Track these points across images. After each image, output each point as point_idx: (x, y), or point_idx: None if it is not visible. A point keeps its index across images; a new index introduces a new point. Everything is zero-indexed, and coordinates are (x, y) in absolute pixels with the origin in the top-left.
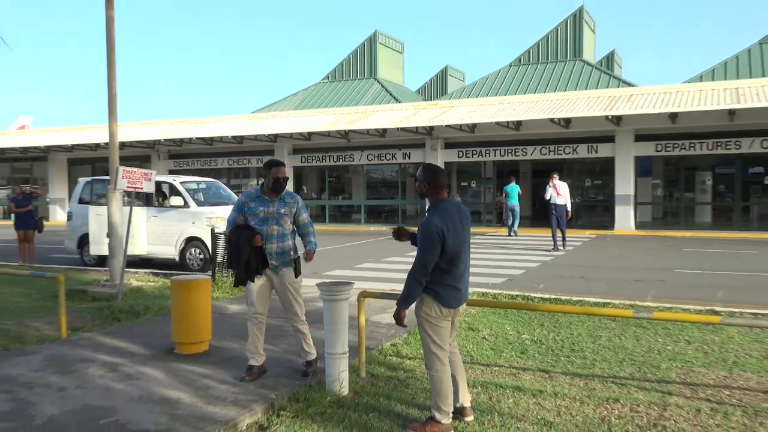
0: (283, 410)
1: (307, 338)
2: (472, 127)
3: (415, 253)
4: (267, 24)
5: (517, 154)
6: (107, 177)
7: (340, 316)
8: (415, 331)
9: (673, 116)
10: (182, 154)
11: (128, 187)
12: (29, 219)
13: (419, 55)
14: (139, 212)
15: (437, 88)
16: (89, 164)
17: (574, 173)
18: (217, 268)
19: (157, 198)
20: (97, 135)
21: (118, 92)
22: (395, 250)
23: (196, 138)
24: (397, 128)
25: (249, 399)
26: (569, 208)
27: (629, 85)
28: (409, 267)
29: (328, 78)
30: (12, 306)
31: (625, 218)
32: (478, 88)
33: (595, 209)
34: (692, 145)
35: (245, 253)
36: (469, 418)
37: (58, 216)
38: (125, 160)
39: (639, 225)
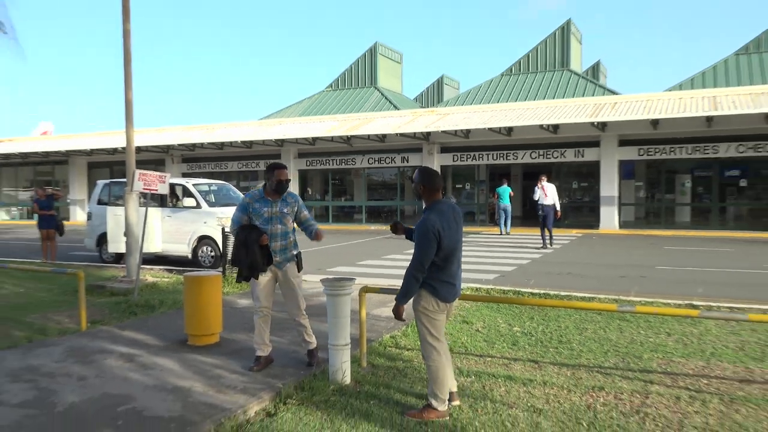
0: (289, 398)
1: (307, 330)
2: (467, 133)
3: (412, 250)
4: (274, 36)
5: (508, 158)
6: (124, 179)
7: (343, 310)
8: (413, 323)
9: (655, 122)
10: (195, 157)
11: (144, 188)
12: (51, 219)
13: (417, 65)
14: (154, 212)
15: (434, 96)
16: (107, 167)
17: (562, 176)
18: (227, 265)
19: (171, 199)
20: (115, 140)
21: (134, 100)
22: (395, 248)
23: (208, 143)
24: (396, 134)
25: (257, 387)
26: (558, 208)
27: (613, 93)
28: (408, 264)
29: (332, 86)
30: (35, 300)
31: (609, 218)
32: (472, 96)
33: (581, 210)
34: (672, 149)
35: (253, 251)
36: (456, 403)
37: (78, 216)
38: (141, 164)
39: (623, 224)
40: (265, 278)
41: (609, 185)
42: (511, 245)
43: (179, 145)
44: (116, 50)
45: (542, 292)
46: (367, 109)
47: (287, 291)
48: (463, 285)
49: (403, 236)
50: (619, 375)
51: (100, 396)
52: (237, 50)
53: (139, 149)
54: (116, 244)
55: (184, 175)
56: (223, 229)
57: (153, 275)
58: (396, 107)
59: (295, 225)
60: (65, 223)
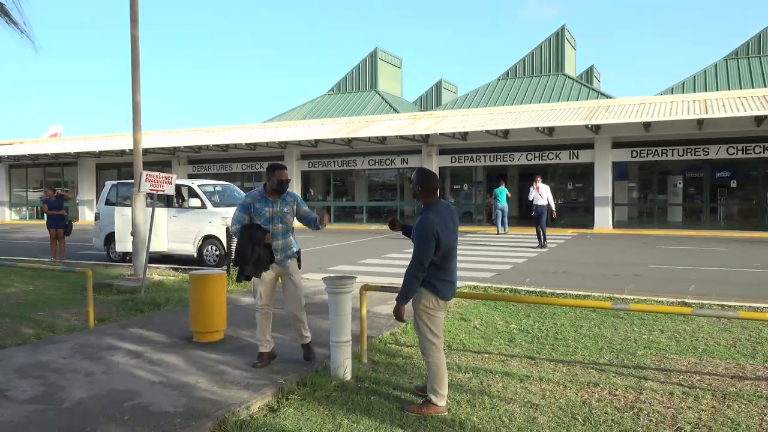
0: (292, 394)
1: (305, 325)
2: (464, 135)
3: (411, 249)
4: (278, 42)
5: (505, 159)
6: (132, 180)
7: (344, 307)
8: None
9: (647, 125)
10: (200, 159)
11: (151, 189)
12: (60, 219)
13: (416, 70)
14: (161, 212)
15: (432, 99)
16: (115, 169)
17: (557, 177)
18: (231, 264)
19: (177, 200)
20: (123, 142)
21: (141, 103)
22: (395, 247)
23: (213, 145)
24: (396, 136)
25: (260, 383)
26: (553, 208)
27: (607, 97)
28: (407, 262)
29: (333, 90)
30: (44, 298)
31: (603, 218)
32: (470, 100)
33: (576, 210)
34: (665, 151)
35: (257, 250)
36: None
37: (86, 216)
38: (148, 165)
39: (616, 224)
40: (266, 276)
41: (603, 186)
42: (507, 245)
43: (185, 147)
44: (125, 55)
45: (538, 290)
46: (368, 113)
47: (289, 287)
48: (461, 283)
49: (400, 232)
50: (613, 371)
51: (107, 392)
52: (242, 56)
53: (146, 151)
54: (124, 244)
55: (190, 176)
56: (227, 229)
57: (159, 274)
58: (396, 110)
59: (299, 221)
60: (74, 223)
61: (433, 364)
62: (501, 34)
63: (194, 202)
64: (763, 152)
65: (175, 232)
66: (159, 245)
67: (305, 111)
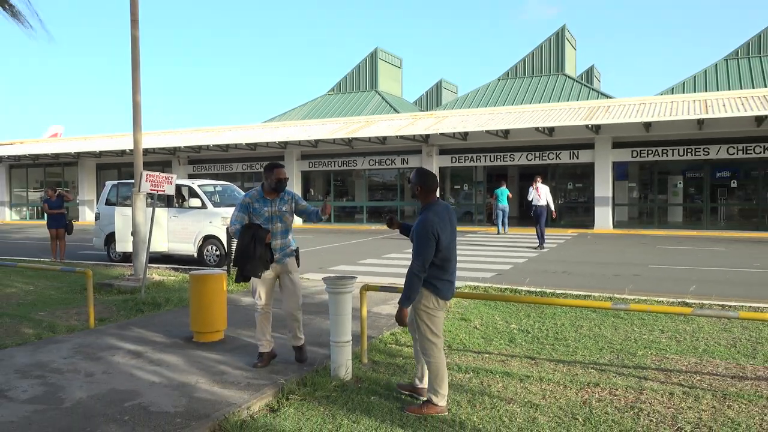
0: (292, 394)
1: (300, 325)
2: (465, 135)
3: (411, 249)
4: (278, 42)
5: (505, 159)
6: (132, 180)
7: (344, 307)
8: None
9: (647, 125)
10: (200, 159)
11: (151, 189)
12: (61, 219)
13: (416, 70)
14: (161, 212)
15: (433, 99)
16: (116, 169)
17: (558, 177)
18: (231, 264)
19: (178, 200)
20: (123, 142)
21: (142, 103)
22: (395, 247)
23: (213, 145)
24: (396, 136)
25: (261, 383)
26: (552, 208)
27: (607, 97)
28: (407, 262)
29: (333, 90)
30: (44, 298)
31: (603, 218)
32: (470, 100)
33: (576, 210)
34: (665, 151)
35: (259, 250)
36: (425, 398)
37: (87, 216)
38: (148, 165)
39: (616, 224)
40: (266, 276)
41: (603, 186)
42: (508, 245)
43: (185, 147)
44: (125, 54)
45: (538, 290)
46: (368, 113)
47: (287, 286)
48: (461, 283)
49: (398, 230)
50: (613, 371)
51: (107, 392)
52: (242, 55)
53: (146, 151)
54: (124, 244)
55: (190, 176)
56: (227, 229)
57: (159, 274)
58: (396, 110)
59: (299, 217)
60: (74, 223)
61: (433, 364)
62: (501, 34)
63: (194, 202)
64: (764, 152)
65: (175, 232)
66: (159, 245)
67: (305, 111)
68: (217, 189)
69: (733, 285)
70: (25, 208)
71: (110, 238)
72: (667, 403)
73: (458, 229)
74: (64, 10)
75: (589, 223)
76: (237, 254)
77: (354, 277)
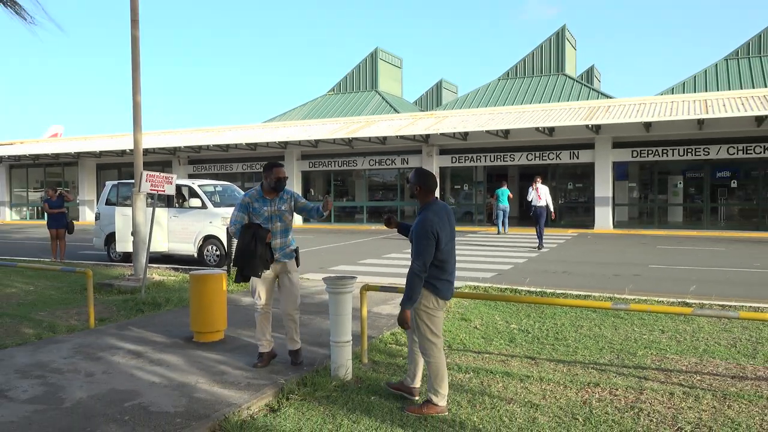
0: (292, 394)
1: (297, 327)
2: (465, 135)
3: (410, 249)
4: (278, 42)
5: (505, 159)
6: (132, 180)
7: (345, 307)
8: None
9: (648, 125)
10: (200, 159)
11: (151, 189)
12: (61, 219)
13: (416, 70)
14: (161, 212)
15: (433, 99)
16: (116, 169)
17: (558, 177)
18: (231, 264)
19: (178, 200)
20: (123, 142)
21: (142, 103)
22: (395, 247)
23: (214, 145)
24: (396, 136)
25: (261, 383)
26: (552, 208)
27: (607, 97)
28: (407, 262)
29: (334, 90)
30: (44, 298)
31: (604, 218)
32: (470, 100)
33: (576, 210)
34: (665, 151)
35: (259, 249)
36: (417, 398)
37: (87, 216)
38: (148, 165)
39: (616, 224)
40: (266, 276)
41: (603, 186)
42: (508, 245)
43: (186, 147)
44: (125, 54)
45: (538, 290)
46: (368, 113)
47: (285, 285)
48: (461, 283)
49: (396, 230)
50: (614, 371)
51: (107, 392)
52: (242, 55)
53: (146, 151)
54: (124, 244)
55: (190, 176)
56: (227, 229)
57: (160, 274)
58: (396, 110)
59: (299, 214)
60: (75, 222)
61: (433, 365)
62: (501, 34)
63: (195, 202)
64: (764, 152)
65: (175, 232)
66: (159, 245)
67: (305, 111)
68: (217, 189)
69: (733, 285)
70: (25, 208)
71: (110, 238)
72: (668, 403)
73: (458, 229)
74: (64, 10)
75: (590, 223)
76: (237, 254)
77: (354, 277)
